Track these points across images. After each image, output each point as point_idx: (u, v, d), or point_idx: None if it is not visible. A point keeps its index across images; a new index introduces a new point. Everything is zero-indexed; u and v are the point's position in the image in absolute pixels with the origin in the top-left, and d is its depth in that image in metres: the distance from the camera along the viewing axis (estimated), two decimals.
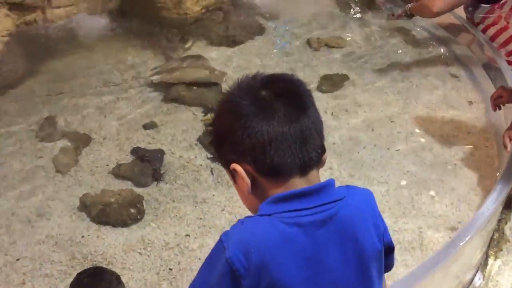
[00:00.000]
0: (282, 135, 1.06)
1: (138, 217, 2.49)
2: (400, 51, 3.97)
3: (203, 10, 4.20)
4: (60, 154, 2.86)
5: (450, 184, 2.77)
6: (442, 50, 3.97)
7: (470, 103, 3.44)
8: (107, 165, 2.83)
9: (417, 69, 3.77)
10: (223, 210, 2.55)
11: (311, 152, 1.10)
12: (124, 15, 4.19)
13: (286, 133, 1.06)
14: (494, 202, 2.18)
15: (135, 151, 2.90)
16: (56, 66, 3.73)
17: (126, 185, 2.70)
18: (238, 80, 1.15)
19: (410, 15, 3.87)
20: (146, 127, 3.12)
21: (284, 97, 1.10)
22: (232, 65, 3.79)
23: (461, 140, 3.08)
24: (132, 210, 2.49)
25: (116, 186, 2.69)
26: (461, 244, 1.98)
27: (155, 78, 3.51)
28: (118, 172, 2.75)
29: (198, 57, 3.72)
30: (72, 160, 2.83)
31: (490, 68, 3.68)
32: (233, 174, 1.12)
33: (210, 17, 4.23)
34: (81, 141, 2.96)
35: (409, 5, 3.88)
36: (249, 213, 1.18)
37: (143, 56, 3.85)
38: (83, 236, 2.40)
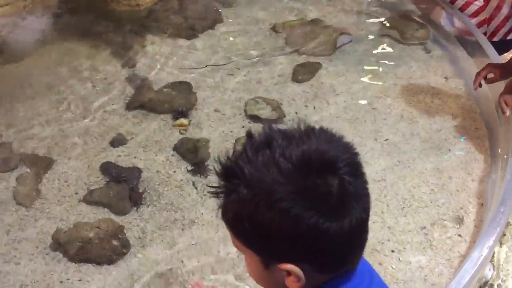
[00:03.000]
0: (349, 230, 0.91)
1: (124, 250, 2.22)
2: (369, 31, 3.79)
3: (156, 0, 3.84)
4: (20, 184, 2.51)
5: (447, 172, 2.66)
6: (412, 26, 3.82)
7: (446, 78, 3.33)
8: (76, 193, 2.51)
9: (389, 49, 3.61)
10: (217, 232, 2.32)
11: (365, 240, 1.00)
12: (69, 11, 3.76)
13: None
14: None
15: (107, 170, 2.59)
16: None
17: (102, 212, 2.41)
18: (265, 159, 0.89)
19: None
20: (113, 141, 2.79)
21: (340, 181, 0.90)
22: (197, 59, 3.49)
23: (447, 122, 2.97)
24: (115, 243, 2.21)
25: (90, 215, 2.39)
26: None
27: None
28: (90, 199, 2.44)
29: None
30: (35, 189, 2.49)
31: (463, 40, 3.58)
32: (267, 265, 0.95)
33: (164, 7, 3.89)
34: (42, 165, 2.61)
35: None
36: None
37: (97, 58, 3.47)
38: (61, 282, 2.10)
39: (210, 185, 0.97)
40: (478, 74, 2.82)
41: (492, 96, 2.94)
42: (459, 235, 2.32)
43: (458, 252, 2.24)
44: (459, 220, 2.40)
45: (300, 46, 3.58)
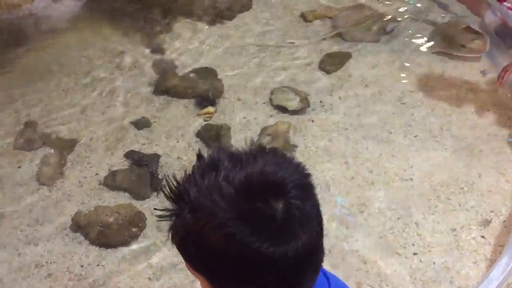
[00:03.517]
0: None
1: (140, 233, 2.21)
2: (402, 21, 3.65)
3: None
4: (44, 164, 2.53)
5: (476, 170, 2.55)
6: (447, 17, 3.67)
7: (483, 73, 3.18)
8: (96, 174, 2.51)
9: (422, 39, 3.47)
10: None
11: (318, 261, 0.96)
12: None
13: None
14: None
15: (130, 155, 2.58)
16: (25, 60, 3.30)
17: (122, 196, 2.40)
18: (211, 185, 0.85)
19: None
20: (137, 125, 2.78)
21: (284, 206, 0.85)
22: (224, 45, 3.43)
23: (480, 119, 2.84)
24: (134, 229, 2.20)
25: (110, 199, 2.39)
26: None
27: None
28: (112, 183, 2.43)
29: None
30: (57, 171, 2.51)
31: (502, 32, 3.41)
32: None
33: None
34: (66, 147, 2.63)
35: None
36: None
37: (124, 40, 3.45)
38: (82, 266, 2.10)
39: (157, 208, 0.94)
40: (504, 69, 2.68)
41: None
42: (488, 240, 2.23)
43: (484, 255, 2.15)
44: (488, 223, 2.30)
45: (344, 30, 3.50)
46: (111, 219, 2.21)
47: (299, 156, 2.60)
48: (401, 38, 3.45)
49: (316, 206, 0.92)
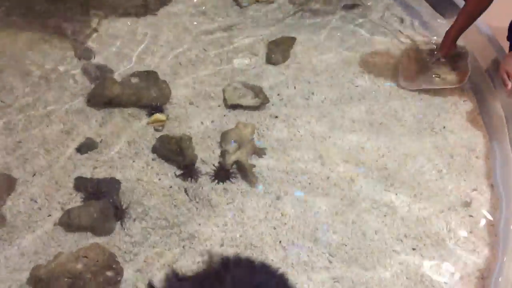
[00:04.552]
0: None
1: (119, 278, 1.93)
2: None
3: None
4: None
5: (446, 150, 2.54)
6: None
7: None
8: (49, 215, 2.15)
9: (361, 16, 3.39)
10: (222, 245, 2.07)
11: None
12: None
13: None
14: None
15: (82, 184, 2.23)
16: None
17: (84, 236, 2.08)
18: None
19: None
20: (81, 146, 2.42)
21: None
22: (159, 41, 3.10)
23: (436, 97, 2.83)
24: (109, 273, 1.91)
25: (71, 241, 2.06)
26: None
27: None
28: (69, 222, 2.09)
29: None
30: None
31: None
32: None
33: None
34: (3, 185, 2.21)
35: None
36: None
37: (43, 46, 2.99)
38: None
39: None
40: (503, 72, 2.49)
41: (481, 65, 2.85)
42: (475, 221, 2.23)
43: (478, 234, 2.15)
44: (468, 205, 2.30)
45: (288, 13, 3.35)
46: (78, 265, 1.90)
47: (269, 158, 2.43)
48: (348, 20, 3.33)
49: None
